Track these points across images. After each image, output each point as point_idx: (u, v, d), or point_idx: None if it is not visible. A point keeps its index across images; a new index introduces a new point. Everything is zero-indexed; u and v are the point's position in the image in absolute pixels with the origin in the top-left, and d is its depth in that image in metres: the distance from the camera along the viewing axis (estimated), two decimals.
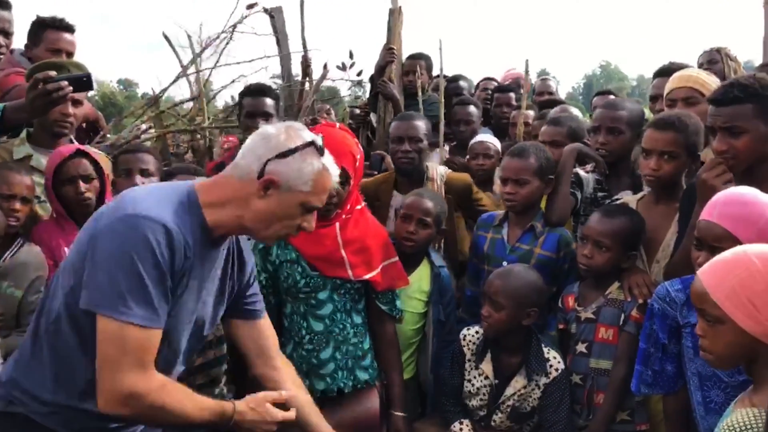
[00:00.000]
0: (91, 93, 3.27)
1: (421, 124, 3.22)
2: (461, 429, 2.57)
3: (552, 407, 2.47)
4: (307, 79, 4.96)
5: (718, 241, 1.83)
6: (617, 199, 2.79)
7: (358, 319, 2.56)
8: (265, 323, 2.08)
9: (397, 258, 2.63)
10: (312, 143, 1.76)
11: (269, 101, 3.59)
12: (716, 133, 2.19)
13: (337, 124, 2.56)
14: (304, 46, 5.03)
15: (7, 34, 3.06)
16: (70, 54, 3.55)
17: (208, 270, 1.82)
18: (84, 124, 3.45)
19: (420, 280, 2.80)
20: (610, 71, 70.32)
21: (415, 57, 4.87)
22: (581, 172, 3.05)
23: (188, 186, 1.79)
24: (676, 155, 2.49)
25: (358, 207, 2.58)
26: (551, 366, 2.47)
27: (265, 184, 1.72)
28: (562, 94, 6.39)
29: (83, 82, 2.59)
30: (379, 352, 2.61)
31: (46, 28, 3.47)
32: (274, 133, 1.77)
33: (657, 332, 2.19)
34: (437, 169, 3.30)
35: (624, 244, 2.49)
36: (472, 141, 3.95)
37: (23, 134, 2.87)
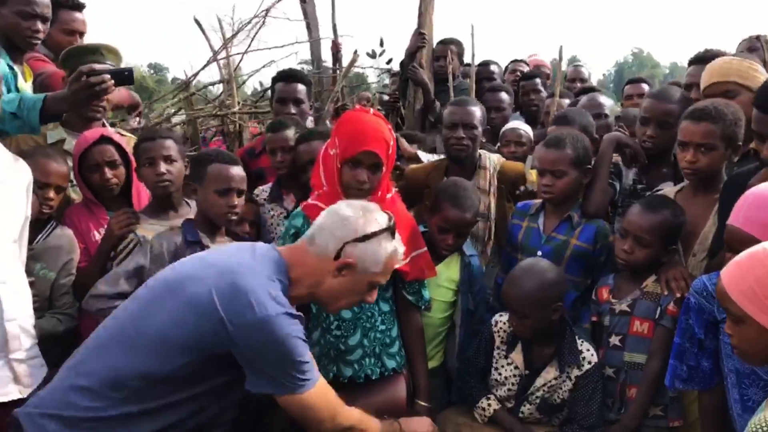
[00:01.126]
0: None
1: (477, 110, 3.15)
2: (489, 404, 2.53)
3: (583, 400, 2.42)
4: (337, 65, 4.95)
5: (744, 245, 1.77)
6: (658, 191, 2.73)
7: (386, 307, 2.53)
8: None
9: (425, 248, 2.59)
10: (388, 229, 1.93)
11: (301, 87, 3.58)
12: (765, 139, 2.12)
13: (371, 110, 2.52)
14: (335, 32, 5.01)
15: (46, 20, 3.06)
16: (82, 34, 3.58)
17: None
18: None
19: (449, 268, 2.77)
20: (642, 58, 68.93)
21: (446, 42, 4.82)
22: (620, 163, 2.98)
23: (281, 267, 1.90)
24: (713, 147, 2.42)
25: (389, 195, 2.54)
26: (584, 358, 2.42)
27: (341, 266, 1.88)
28: (592, 82, 6.27)
29: (125, 76, 2.62)
30: (405, 341, 2.58)
31: (59, 8, 3.45)
32: (353, 216, 1.91)
33: (693, 327, 2.15)
34: (490, 157, 3.23)
35: (664, 239, 2.43)
36: (504, 128, 3.90)
37: None
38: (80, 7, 3.58)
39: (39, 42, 3.10)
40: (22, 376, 2.17)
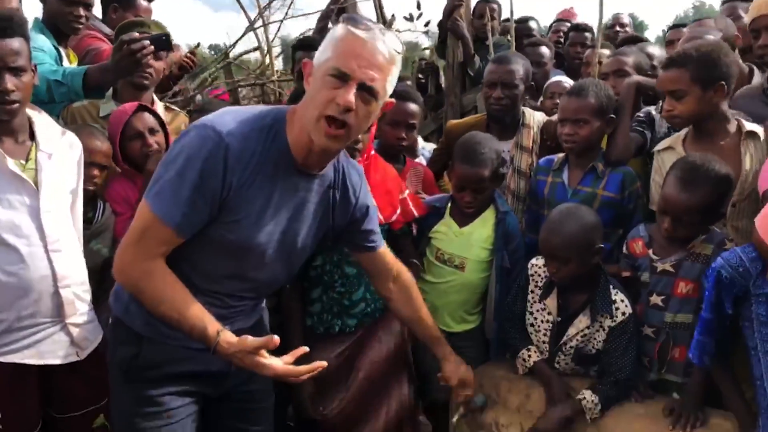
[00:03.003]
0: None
1: (519, 68, 3.07)
2: (529, 356, 2.53)
3: (618, 352, 2.36)
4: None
5: None
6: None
7: None
8: (381, 254, 2.16)
9: (408, 191, 2.66)
10: (341, 19, 1.69)
11: None
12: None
13: None
14: None
15: (88, 6, 3.24)
16: None
17: (291, 198, 1.82)
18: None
19: (483, 227, 2.75)
20: (703, 11, 65.56)
21: (485, 1, 4.77)
22: (653, 111, 2.91)
23: (281, 112, 1.79)
24: (684, 92, 2.37)
25: (372, 153, 2.58)
26: (617, 309, 2.35)
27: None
28: (651, 37, 6.08)
29: (162, 41, 2.74)
30: None
31: None
32: None
33: (723, 302, 2.06)
34: (534, 115, 3.18)
35: (709, 214, 2.26)
36: (549, 81, 3.85)
37: (109, 92, 2.99)
38: None
39: (81, 27, 3.28)
40: (78, 339, 2.30)
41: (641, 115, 2.90)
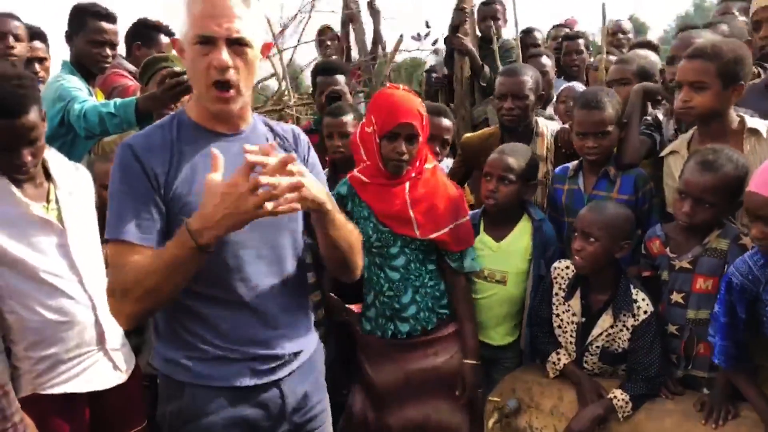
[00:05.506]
0: None
1: (528, 79, 3.14)
2: (558, 359, 2.57)
3: (643, 350, 2.40)
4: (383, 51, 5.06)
5: (762, 209, 1.79)
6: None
7: (431, 266, 2.62)
8: None
9: (467, 218, 2.65)
10: None
11: (340, 78, 3.72)
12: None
13: (401, 86, 2.58)
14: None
15: (114, 46, 3.43)
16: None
17: (228, 161, 1.60)
18: None
19: (520, 237, 2.78)
20: (704, 8, 65.25)
21: (490, 2, 4.92)
22: (659, 115, 2.97)
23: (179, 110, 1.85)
24: (706, 85, 2.38)
25: (429, 166, 2.61)
26: (639, 308, 2.40)
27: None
28: (653, 37, 6.15)
29: None
30: (452, 304, 2.65)
31: (159, 32, 4.02)
32: None
33: (735, 306, 2.12)
34: (548, 125, 3.25)
35: (729, 196, 2.28)
36: (562, 87, 3.97)
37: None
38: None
39: (108, 66, 3.43)
40: (119, 362, 2.39)
41: (649, 118, 2.95)
